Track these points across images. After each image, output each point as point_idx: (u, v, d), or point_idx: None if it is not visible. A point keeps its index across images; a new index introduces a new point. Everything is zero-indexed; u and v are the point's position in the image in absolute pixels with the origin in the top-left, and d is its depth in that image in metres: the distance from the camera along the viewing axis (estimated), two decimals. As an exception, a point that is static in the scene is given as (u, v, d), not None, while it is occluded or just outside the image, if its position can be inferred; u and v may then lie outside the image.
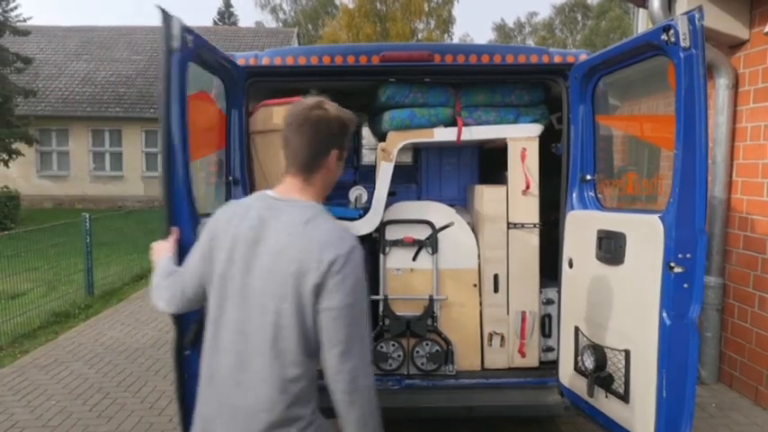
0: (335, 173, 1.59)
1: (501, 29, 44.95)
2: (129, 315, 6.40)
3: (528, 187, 3.14)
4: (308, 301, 1.42)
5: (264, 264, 1.46)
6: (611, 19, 37.74)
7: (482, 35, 70.12)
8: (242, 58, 2.97)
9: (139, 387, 4.35)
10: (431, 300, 3.16)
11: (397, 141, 3.16)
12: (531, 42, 42.39)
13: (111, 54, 21.37)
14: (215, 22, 37.26)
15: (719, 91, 4.24)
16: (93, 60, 20.95)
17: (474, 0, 53.47)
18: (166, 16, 2.08)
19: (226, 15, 38.29)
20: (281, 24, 35.79)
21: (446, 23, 28.25)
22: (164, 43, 2.08)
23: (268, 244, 1.47)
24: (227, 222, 1.55)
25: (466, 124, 3.15)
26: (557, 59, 3.00)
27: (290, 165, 1.54)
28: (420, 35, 27.82)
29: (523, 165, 3.13)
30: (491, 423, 3.60)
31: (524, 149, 3.13)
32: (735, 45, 4.25)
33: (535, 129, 3.18)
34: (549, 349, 3.31)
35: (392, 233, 3.22)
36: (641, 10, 10.04)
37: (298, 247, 1.44)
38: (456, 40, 31.19)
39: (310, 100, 1.54)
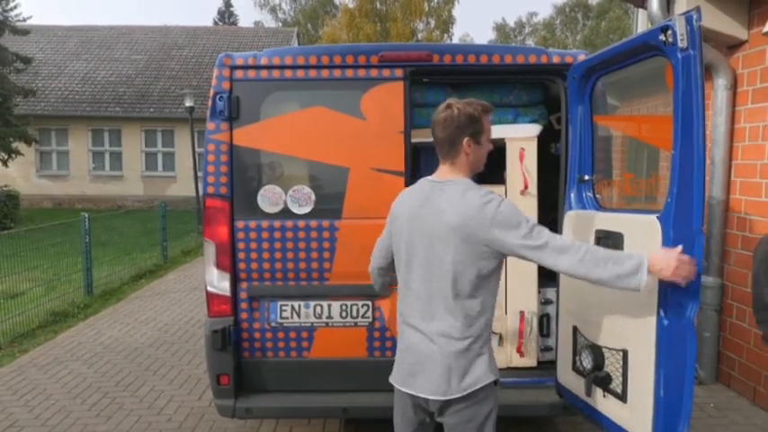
0: (476, 155, 2.03)
1: (501, 29, 44.94)
2: (128, 315, 6.41)
3: (526, 187, 3.14)
4: (485, 250, 1.94)
5: (438, 231, 1.97)
6: (612, 19, 37.75)
7: (482, 35, 70.17)
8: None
9: (138, 386, 4.36)
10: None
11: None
12: (531, 42, 42.39)
13: (110, 54, 21.39)
14: (215, 22, 37.28)
15: (718, 91, 4.24)
16: (92, 60, 20.96)
17: (474, 0, 53.45)
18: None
19: (226, 15, 38.32)
20: (280, 24, 35.77)
21: (446, 23, 28.23)
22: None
23: (438, 215, 1.97)
24: (401, 205, 2.12)
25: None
26: (555, 60, 3.00)
27: (440, 155, 2.06)
28: (420, 35, 27.81)
29: (522, 165, 3.14)
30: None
31: (523, 149, 3.13)
32: (733, 45, 4.25)
33: (534, 129, 3.18)
34: (548, 349, 3.32)
35: None
36: (641, 10, 10.05)
37: (459, 212, 1.94)
38: (456, 41, 31.21)
39: (443, 104, 2.04)
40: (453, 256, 1.94)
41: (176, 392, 4.25)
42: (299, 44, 23.99)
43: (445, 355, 1.96)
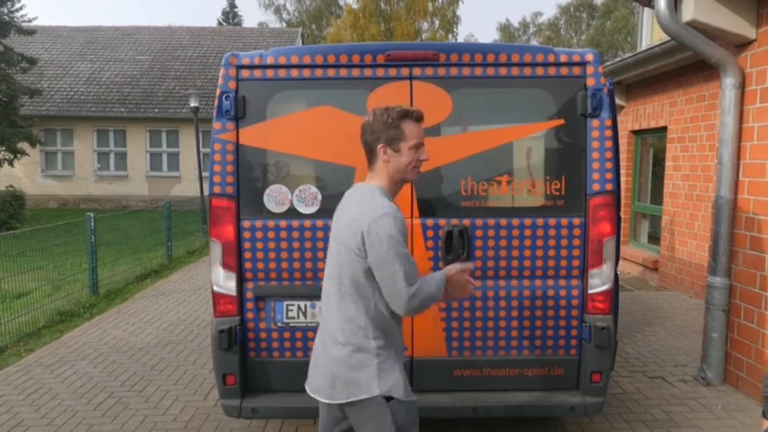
0: (396, 163, 2.02)
1: (505, 29, 44.87)
2: (134, 314, 6.41)
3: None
4: (358, 254, 1.95)
5: (336, 232, 2.09)
6: (617, 19, 37.63)
7: (487, 35, 70.00)
8: None
9: (144, 386, 4.36)
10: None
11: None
12: (535, 43, 42.28)
13: (115, 54, 21.46)
14: (219, 23, 37.35)
15: (726, 90, 4.21)
16: (97, 60, 21.04)
17: (479, 0, 53.33)
18: None
19: (230, 16, 38.39)
20: (285, 25, 35.80)
21: (450, 24, 28.21)
22: None
23: (341, 217, 2.06)
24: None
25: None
26: (563, 59, 2.98)
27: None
28: (425, 35, 27.79)
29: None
30: (493, 423, 3.59)
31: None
32: (742, 44, 4.22)
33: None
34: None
35: None
36: (646, 9, 10.03)
37: (350, 214, 2.00)
38: (461, 40, 31.15)
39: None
40: (339, 258, 2.01)
41: (182, 392, 4.25)
42: (303, 45, 23.99)
43: (329, 357, 2.03)
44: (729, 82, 4.19)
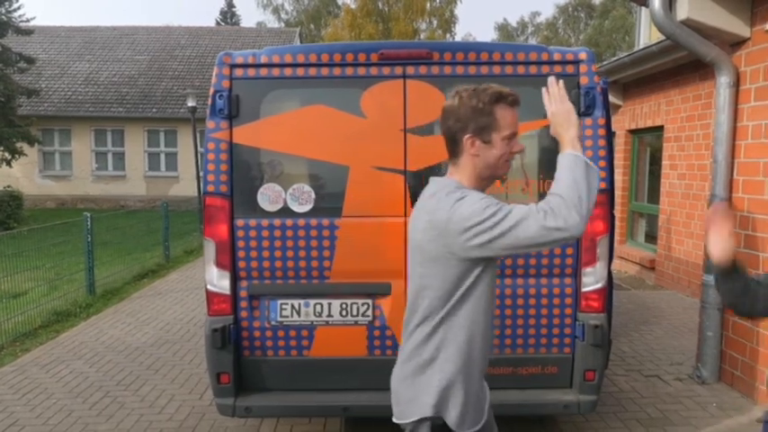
0: (485, 157, 1.69)
1: (503, 28, 44.87)
2: (130, 314, 6.41)
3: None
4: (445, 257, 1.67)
5: (410, 236, 1.81)
6: (615, 18, 37.65)
7: (485, 35, 70.02)
8: None
9: (139, 386, 4.36)
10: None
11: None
12: (533, 42, 42.31)
13: (113, 54, 21.45)
14: (217, 22, 37.34)
15: (721, 89, 4.21)
16: (95, 60, 21.03)
17: (476, 0, 53.36)
18: None
19: (228, 15, 38.38)
20: (283, 24, 35.80)
21: (448, 23, 28.23)
22: None
23: (414, 219, 1.79)
24: None
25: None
26: (556, 57, 2.98)
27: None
28: (423, 35, 27.81)
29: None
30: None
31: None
32: (736, 43, 4.23)
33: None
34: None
35: None
36: (644, 9, 10.03)
37: (422, 215, 1.73)
38: (458, 40, 31.16)
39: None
40: (418, 268, 1.74)
41: (177, 391, 4.25)
42: (303, 44, 24.01)
43: (395, 373, 1.83)
44: (724, 81, 4.20)
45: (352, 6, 27.23)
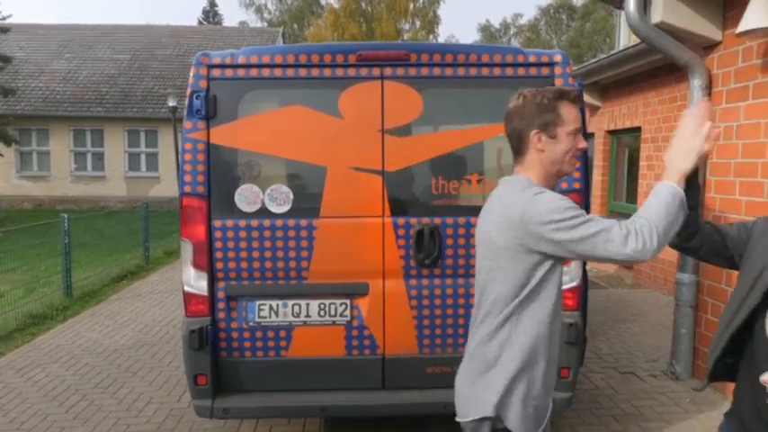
0: (552, 152, 1.71)
1: (486, 29, 45.17)
2: (108, 316, 6.34)
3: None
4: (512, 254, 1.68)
5: (478, 235, 1.83)
6: (596, 20, 38.12)
7: (468, 36, 70.44)
8: None
9: (117, 388, 4.31)
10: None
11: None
12: (516, 43, 42.63)
13: (93, 53, 21.16)
14: (200, 22, 37.04)
15: (694, 91, 4.30)
16: (74, 59, 20.73)
17: (460, 1, 53.65)
18: None
19: (211, 14, 38.12)
20: (265, 24, 35.63)
21: (431, 24, 28.34)
22: None
23: (482, 218, 1.81)
24: None
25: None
26: (532, 59, 3.02)
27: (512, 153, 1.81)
28: (406, 35, 27.88)
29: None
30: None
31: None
32: (709, 46, 4.32)
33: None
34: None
35: None
36: (624, 12, 10.18)
37: (490, 214, 1.75)
38: (441, 41, 31.30)
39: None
40: (485, 262, 1.75)
41: (155, 394, 4.22)
42: (284, 44, 23.90)
43: (459, 369, 1.83)
44: (697, 83, 4.28)
45: (336, 6, 27.22)
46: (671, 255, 6.86)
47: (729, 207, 4.05)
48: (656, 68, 6.91)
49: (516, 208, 1.63)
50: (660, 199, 1.57)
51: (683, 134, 1.62)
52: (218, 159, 3.00)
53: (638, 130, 7.68)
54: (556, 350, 1.77)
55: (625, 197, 8.51)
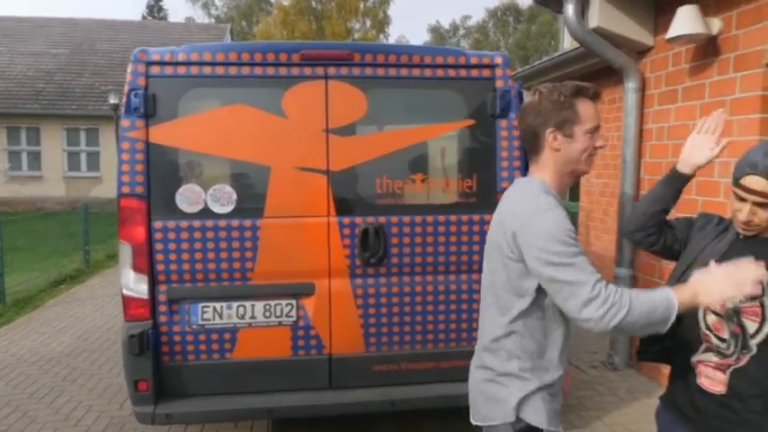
0: (567, 151, 1.65)
1: (436, 30, 45.69)
2: (45, 323, 6.06)
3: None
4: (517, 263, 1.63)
5: (490, 237, 1.76)
6: (542, 23, 39.18)
7: (418, 37, 71.01)
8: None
9: (54, 398, 4.14)
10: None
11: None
12: (465, 45, 43.32)
13: (27, 47, 20.13)
14: (143, 17, 35.87)
15: (628, 94, 4.50)
16: (7, 53, 19.66)
17: (410, 1, 54.08)
18: None
19: (155, 9, 36.98)
20: (213, 20, 34.85)
21: (382, 24, 28.43)
22: None
23: (495, 219, 1.74)
24: None
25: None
26: (473, 61, 3.09)
27: (527, 152, 1.75)
28: (357, 35, 27.87)
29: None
30: (417, 418, 3.67)
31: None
32: (642, 51, 4.52)
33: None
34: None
35: None
36: (564, 16, 10.49)
37: (501, 215, 1.69)
38: (392, 41, 31.46)
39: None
40: (490, 262, 1.73)
41: (95, 402, 4.07)
42: (232, 41, 23.44)
43: (473, 375, 1.80)
44: (631, 86, 4.48)
45: (285, 4, 26.91)
46: (610, 250, 7.14)
47: (661, 204, 4.25)
48: (596, 71, 7.14)
49: (518, 218, 1.59)
50: (654, 302, 1.49)
51: (728, 273, 1.49)
52: (157, 159, 2.92)
53: (579, 130, 7.93)
54: (566, 352, 1.75)
55: (569, 195, 8.78)
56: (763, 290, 1.56)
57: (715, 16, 3.72)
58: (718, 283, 1.49)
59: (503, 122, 3.09)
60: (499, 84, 3.09)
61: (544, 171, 1.69)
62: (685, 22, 3.72)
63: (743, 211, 1.64)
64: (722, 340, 1.70)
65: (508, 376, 1.66)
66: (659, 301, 1.49)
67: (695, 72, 3.94)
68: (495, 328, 1.69)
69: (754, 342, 1.65)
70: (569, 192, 8.78)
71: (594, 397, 4.06)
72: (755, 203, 1.61)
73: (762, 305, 1.63)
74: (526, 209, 1.59)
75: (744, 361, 1.66)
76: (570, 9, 4.31)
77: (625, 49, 4.52)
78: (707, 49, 3.81)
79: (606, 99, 7.19)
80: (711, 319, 1.72)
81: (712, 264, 1.56)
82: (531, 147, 1.70)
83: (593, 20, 4.31)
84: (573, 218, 8.36)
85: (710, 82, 3.80)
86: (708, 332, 1.74)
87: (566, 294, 1.50)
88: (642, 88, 4.48)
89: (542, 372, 1.66)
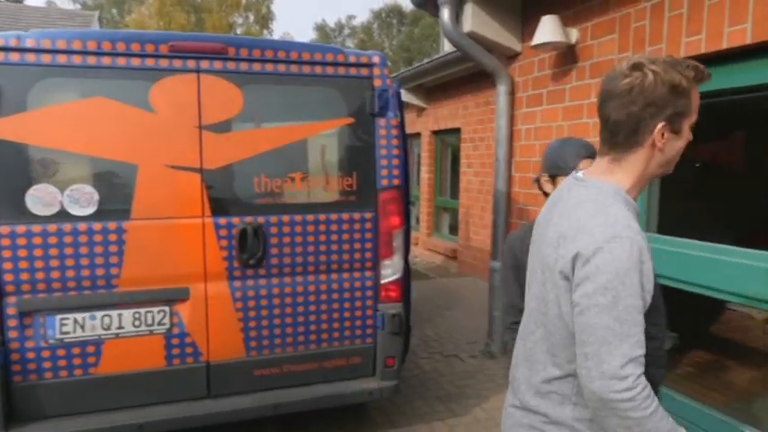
0: (669, 151, 1.29)
1: (322, 29, 45.56)
2: None
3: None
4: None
5: (546, 252, 1.34)
6: (424, 26, 40.47)
7: (304, 34, 70.38)
8: None
9: None
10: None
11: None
12: (350, 44, 43.65)
13: None
14: (-6, -2, 32.11)
15: (500, 96, 4.76)
16: None
17: (295, -2, 53.34)
18: None
19: (8, -10, 33.20)
20: (79, 6, 32.05)
21: (265, 19, 27.81)
22: None
23: (551, 231, 1.34)
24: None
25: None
26: (351, 59, 3.10)
27: (602, 142, 1.34)
28: (239, 30, 27.00)
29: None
30: (303, 420, 3.62)
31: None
32: (511, 56, 4.81)
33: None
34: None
35: None
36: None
37: (558, 229, 1.31)
38: (277, 38, 30.86)
39: (623, 64, 1.28)
40: (541, 288, 1.36)
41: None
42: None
43: (513, 421, 1.47)
44: (502, 89, 4.75)
45: (161, -7, 25.38)
46: (488, 245, 7.55)
47: (530, 200, 4.57)
48: (472, 74, 7.53)
49: (584, 241, 1.22)
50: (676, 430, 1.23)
51: None
52: (2, 156, 2.61)
53: (458, 130, 8.31)
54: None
55: (449, 193, 9.17)
56: None
57: (573, 27, 4.05)
58: None
59: (381, 121, 3.13)
60: (377, 83, 3.13)
61: (627, 174, 1.31)
62: (547, 30, 4.01)
63: None
64: None
65: (559, 426, 1.33)
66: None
67: (557, 77, 4.26)
68: (549, 368, 1.35)
69: None
70: (450, 190, 9.18)
71: (475, 385, 4.26)
72: None
73: None
74: (596, 229, 1.22)
75: None
76: (446, 14, 4.47)
77: (497, 53, 4.78)
78: (567, 57, 4.14)
79: (482, 101, 7.59)
80: None
81: None
82: (620, 141, 1.30)
83: (467, 24, 4.51)
84: (454, 214, 8.76)
85: (570, 87, 4.13)
86: None
87: (594, 346, 1.19)
88: (512, 91, 4.76)
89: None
